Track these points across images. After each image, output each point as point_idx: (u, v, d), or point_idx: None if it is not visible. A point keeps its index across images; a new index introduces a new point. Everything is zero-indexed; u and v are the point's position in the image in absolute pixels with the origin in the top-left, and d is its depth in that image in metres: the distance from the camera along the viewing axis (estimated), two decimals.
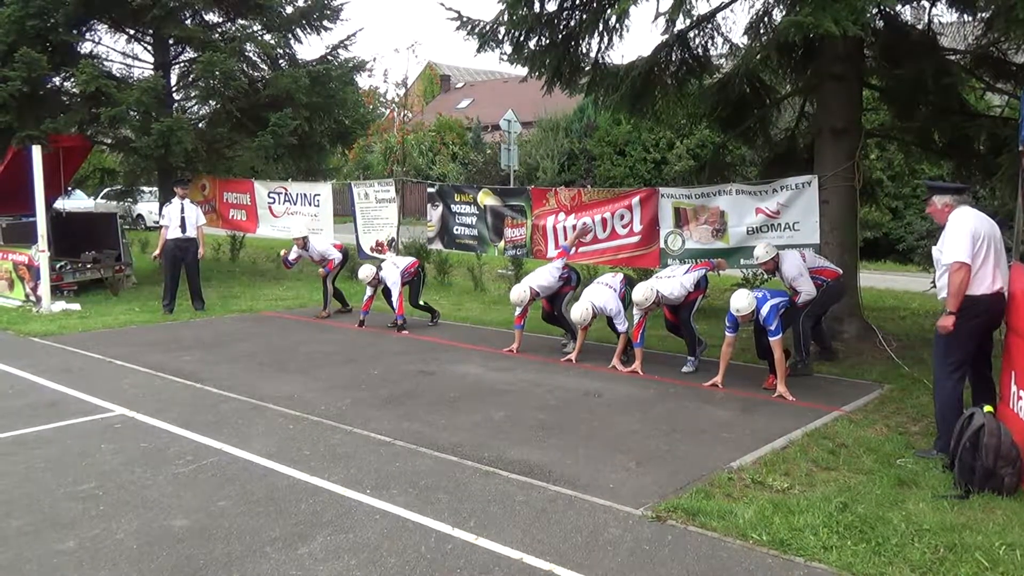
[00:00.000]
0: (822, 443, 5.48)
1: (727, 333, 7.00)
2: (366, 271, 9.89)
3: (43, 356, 8.33)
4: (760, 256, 7.72)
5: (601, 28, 8.80)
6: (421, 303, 10.22)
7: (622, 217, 9.96)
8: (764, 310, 6.74)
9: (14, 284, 11.42)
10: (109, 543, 4.00)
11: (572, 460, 5.18)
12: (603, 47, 9.07)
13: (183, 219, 10.75)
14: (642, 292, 7.56)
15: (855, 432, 5.74)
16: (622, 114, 11.08)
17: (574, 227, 10.23)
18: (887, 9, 8.13)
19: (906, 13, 9.22)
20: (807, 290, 7.51)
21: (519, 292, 8.44)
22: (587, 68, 9.30)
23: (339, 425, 5.91)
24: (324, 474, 4.90)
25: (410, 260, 10.13)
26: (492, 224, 11.60)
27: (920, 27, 9.00)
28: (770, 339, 6.74)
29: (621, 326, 7.90)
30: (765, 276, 9.19)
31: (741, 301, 6.80)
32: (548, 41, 8.98)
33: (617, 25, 8.70)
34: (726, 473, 4.90)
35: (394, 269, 9.75)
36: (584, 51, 9.14)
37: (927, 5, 8.78)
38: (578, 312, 7.88)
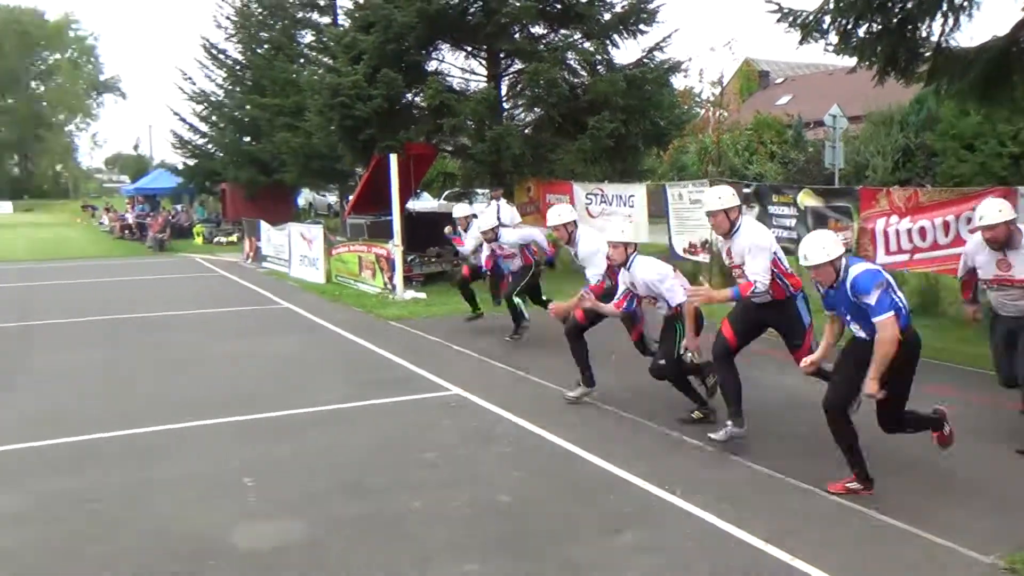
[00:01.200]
0: None
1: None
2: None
3: (396, 337, 9.66)
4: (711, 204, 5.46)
5: (945, 8, 7.90)
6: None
7: (969, 221, 8.79)
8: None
9: (376, 273, 13.37)
10: (448, 508, 4.55)
11: (902, 489, 4.73)
12: (947, 29, 8.14)
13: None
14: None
15: None
16: (970, 104, 9.77)
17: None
18: None
19: None
20: (755, 274, 5.47)
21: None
22: (927, 54, 8.41)
23: (649, 424, 6.04)
24: (634, 470, 5.04)
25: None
26: (813, 227, 10.91)
27: None
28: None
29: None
30: None
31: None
32: (880, 27, 8.24)
33: (965, 3, 7.75)
34: None
35: (515, 235, 9.18)
36: (924, 35, 8.27)
37: None
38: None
